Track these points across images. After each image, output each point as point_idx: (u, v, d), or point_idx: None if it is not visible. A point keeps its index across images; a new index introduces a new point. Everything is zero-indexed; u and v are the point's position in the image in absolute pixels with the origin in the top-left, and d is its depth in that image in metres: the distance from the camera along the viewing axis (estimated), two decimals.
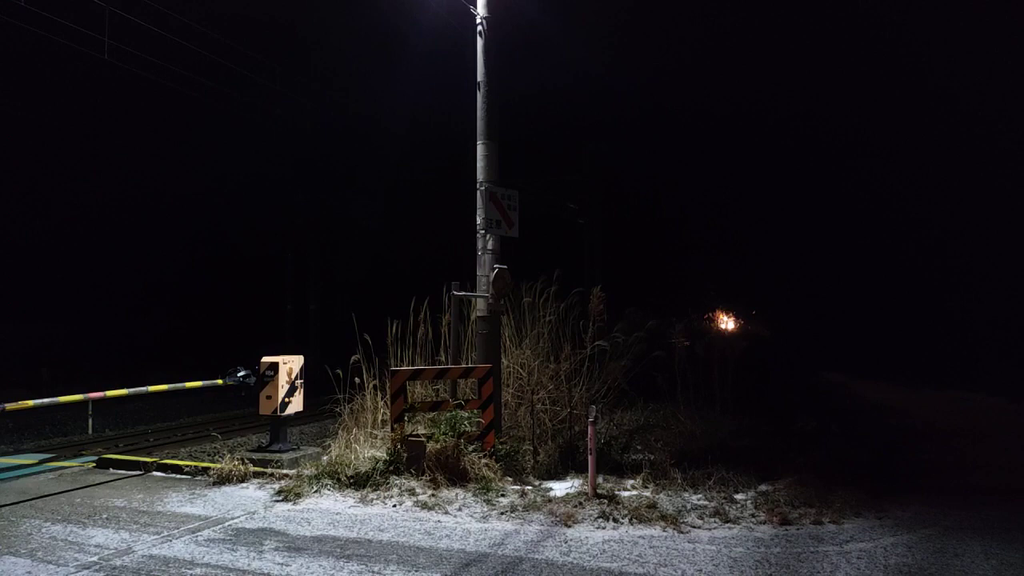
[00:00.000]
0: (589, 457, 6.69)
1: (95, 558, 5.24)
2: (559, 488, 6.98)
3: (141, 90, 20.93)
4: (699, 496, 6.60)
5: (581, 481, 7.03)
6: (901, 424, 11.18)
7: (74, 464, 8.79)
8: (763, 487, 6.82)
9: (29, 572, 4.97)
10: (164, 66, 13.31)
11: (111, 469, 8.36)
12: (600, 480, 6.88)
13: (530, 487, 7.02)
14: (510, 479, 7.24)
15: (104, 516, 6.35)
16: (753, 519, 5.96)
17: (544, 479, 7.37)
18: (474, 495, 6.70)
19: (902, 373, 17.52)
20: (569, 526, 5.83)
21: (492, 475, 7.14)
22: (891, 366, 18.41)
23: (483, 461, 7.30)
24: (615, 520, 5.93)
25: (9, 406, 7.27)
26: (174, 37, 12.89)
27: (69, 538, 5.73)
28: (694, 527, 5.78)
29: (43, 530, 5.95)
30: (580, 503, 6.34)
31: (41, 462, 9.02)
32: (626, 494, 6.64)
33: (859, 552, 5.17)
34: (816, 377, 16.92)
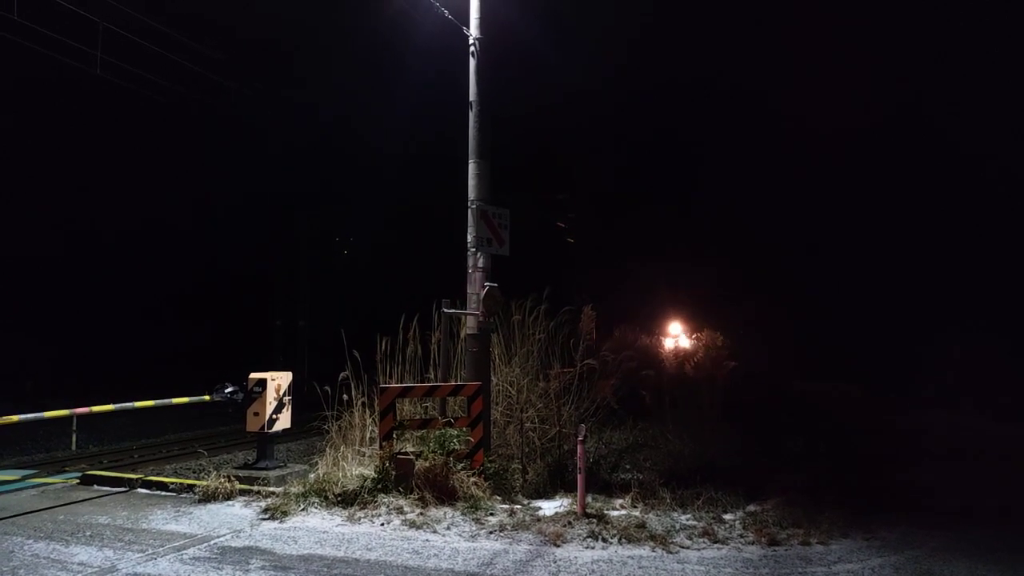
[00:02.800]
0: (578, 476, 6.69)
1: None
2: (548, 507, 6.96)
3: (131, 105, 20.97)
4: (688, 516, 6.60)
5: (570, 500, 7.01)
6: (888, 443, 11.23)
7: (57, 480, 8.67)
8: (751, 507, 6.83)
9: None
10: (156, 81, 13.34)
11: (95, 486, 8.26)
12: (589, 499, 6.87)
13: (519, 506, 7.00)
14: (499, 498, 7.21)
15: (88, 533, 6.26)
16: (742, 539, 5.96)
17: (533, 498, 7.35)
18: (463, 514, 6.67)
19: (896, 387, 17.48)
20: (558, 546, 5.81)
21: (481, 493, 7.11)
22: (884, 379, 18.33)
23: (472, 479, 7.27)
24: (604, 540, 5.92)
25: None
26: (168, 53, 12.92)
27: (52, 556, 5.65)
28: (683, 547, 5.78)
29: (25, 548, 5.87)
30: (569, 522, 6.33)
31: (23, 478, 8.90)
32: (615, 513, 6.64)
33: (847, 573, 5.19)
34: (804, 392, 16.96)
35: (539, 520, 6.45)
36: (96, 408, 8.09)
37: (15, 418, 7.44)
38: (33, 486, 8.42)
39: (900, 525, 6.35)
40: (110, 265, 27.67)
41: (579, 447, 6.76)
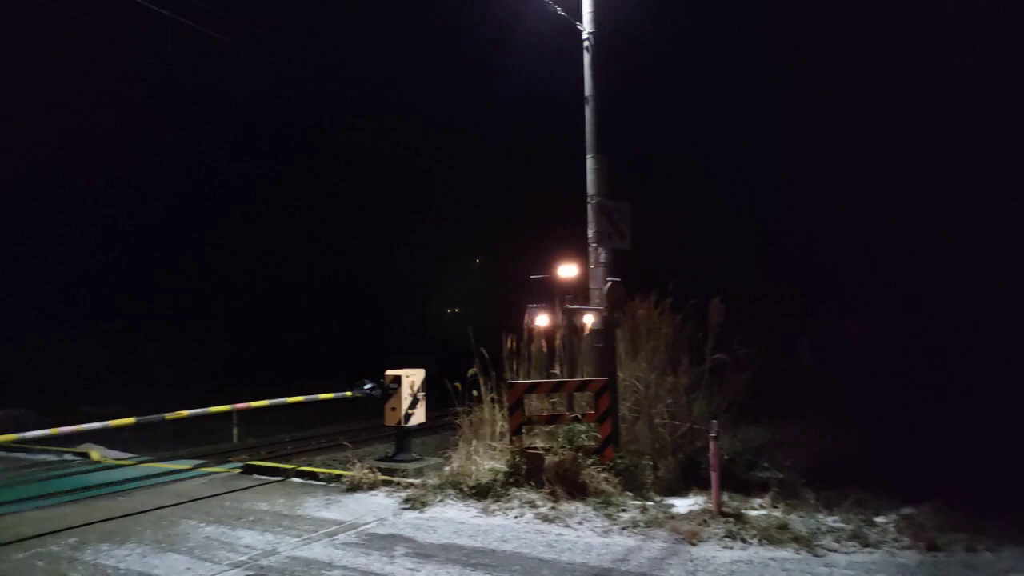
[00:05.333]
0: (712, 474, 6.51)
1: (245, 557, 5.68)
2: (681, 505, 6.83)
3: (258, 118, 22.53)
4: (834, 518, 6.24)
5: (704, 498, 6.84)
6: None
7: (222, 470, 9.53)
8: (906, 509, 6.35)
9: (189, 568, 5.47)
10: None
11: (255, 475, 9.02)
12: (725, 498, 6.67)
13: (651, 503, 6.92)
14: (630, 494, 7.17)
15: (251, 518, 6.86)
16: (896, 543, 5.57)
17: (665, 495, 7.24)
18: (594, 509, 6.69)
19: None
20: (694, 544, 5.70)
21: (612, 489, 7.10)
22: None
23: (602, 475, 7.28)
24: (743, 540, 5.73)
25: (168, 415, 8.05)
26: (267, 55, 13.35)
27: (221, 538, 6.24)
28: (830, 550, 5.48)
29: (199, 530, 6.51)
30: (704, 521, 6.18)
31: (195, 467, 9.85)
32: (754, 513, 6.40)
33: None
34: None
35: (673, 518, 6.34)
36: (253, 403, 8.84)
37: (186, 413, 8.29)
38: (203, 474, 9.32)
39: None
40: (247, 268, 29.98)
41: (712, 444, 6.58)
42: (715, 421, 6.95)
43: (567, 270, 15.99)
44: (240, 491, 8.15)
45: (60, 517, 7.01)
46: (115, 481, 8.83)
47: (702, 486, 7.21)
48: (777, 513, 6.38)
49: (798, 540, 5.62)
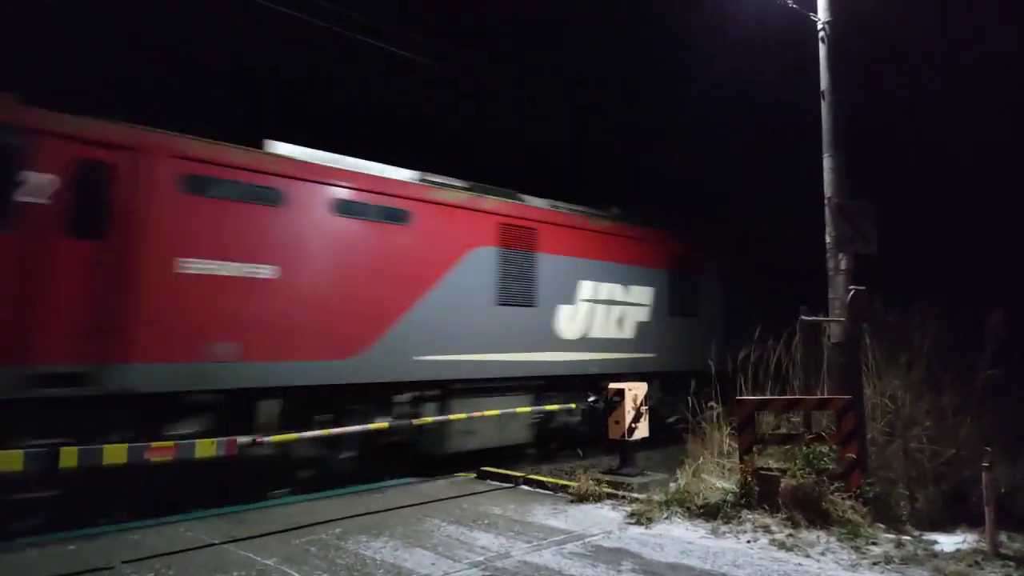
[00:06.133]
0: (985, 508, 5.65)
1: (481, 558, 6.06)
2: (945, 542, 6.00)
3: None
4: None
5: (975, 536, 5.95)
6: None
7: (460, 474, 10.25)
8: None
9: (433, 564, 5.96)
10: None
11: (488, 480, 9.58)
12: (1003, 537, 5.75)
13: (907, 537, 6.17)
14: (881, 526, 6.46)
15: (485, 522, 7.30)
16: None
17: (924, 529, 6.42)
18: (839, 540, 6.13)
19: None
20: None
21: (859, 519, 6.45)
22: None
23: (847, 503, 6.65)
24: None
25: (415, 421, 8.89)
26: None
27: (460, 538, 6.72)
28: None
29: (441, 529, 7.08)
30: (976, 562, 5.38)
31: None
32: None
33: None
34: None
35: (935, 556, 5.60)
36: (487, 412, 9.47)
37: (429, 419, 9.09)
38: (443, 477, 10.10)
39: None
40: None
41: (984, 474, 5.70)
42: (988, 448, 6.02)
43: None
44: (475, 495, 8.72)
45: (327, 509, 8.04)
46: (371, 479, 9.92)
47: (972, 522, 6.27)
48: None
49: None
